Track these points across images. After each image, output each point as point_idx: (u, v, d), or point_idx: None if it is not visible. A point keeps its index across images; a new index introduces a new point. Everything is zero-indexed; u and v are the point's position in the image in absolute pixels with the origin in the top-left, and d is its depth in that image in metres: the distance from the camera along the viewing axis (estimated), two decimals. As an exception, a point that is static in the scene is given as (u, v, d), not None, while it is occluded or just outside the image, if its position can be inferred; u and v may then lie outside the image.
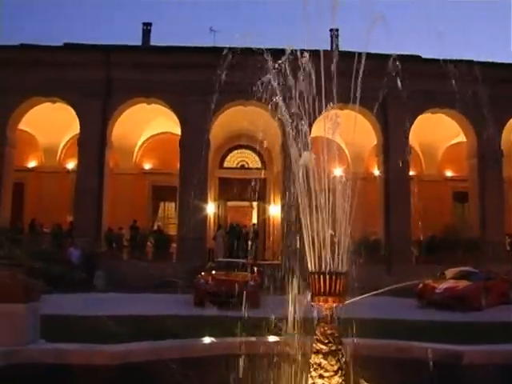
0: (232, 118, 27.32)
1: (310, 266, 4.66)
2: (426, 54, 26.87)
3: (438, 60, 23.75)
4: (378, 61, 6.20)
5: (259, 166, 32.88)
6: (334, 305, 4.65)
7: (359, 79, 5.10)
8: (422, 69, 25.02)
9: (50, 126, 29.71)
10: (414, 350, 6.53)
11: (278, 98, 5.12)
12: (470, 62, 21.51)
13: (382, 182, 27.59)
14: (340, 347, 4.62)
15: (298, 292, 5.16)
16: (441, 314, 16.36)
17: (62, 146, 32.21)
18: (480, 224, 27.37)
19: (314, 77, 5.10)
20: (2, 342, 6.19)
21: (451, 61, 17.43)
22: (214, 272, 19.45)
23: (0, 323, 6.36)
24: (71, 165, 30.47)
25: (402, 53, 6.45)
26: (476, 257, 24.74)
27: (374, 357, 5.88)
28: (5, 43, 27.17)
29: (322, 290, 4.59)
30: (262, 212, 32.45)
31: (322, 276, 4.59)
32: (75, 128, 27.71)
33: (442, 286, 19.00)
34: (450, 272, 20.63)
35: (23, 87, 26.06)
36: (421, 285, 18.86)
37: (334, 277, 4.59)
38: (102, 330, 9.99)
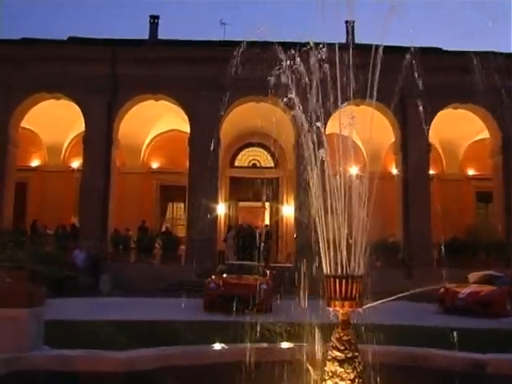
0: (243, 115, 27.36)
1: (325, 269, 4.66)
2: (446, 46, 26.76)
3: (459, 52, 23.68)
4: (395, 54, 6.18)
5: (271, 164, 32.90)
6: (351, 310, 4.64)
7: (376, 73, 5.09)
8: (443, 61, 24.88)
9: (54, 123, 29.89)
10: (435, 357, 6.48)
11: (292, 94, 5.12)
12: (494, 54, 21.34)
13: (400, 181, 27.49)
14: (356, 354, 4.61)
15: (313, 296, 5.16)
16: (464, 320, 16.22)
17: (66, 144, 32.43)
18: (505, 225, 27.15)
19: (328, 71, 5.09)
20: (4, 349, 6.20)
21: (474, 53, 17.31)
22: (224, 275, 19.47)
23: (2, 329, 6.39)
24: (76, 164, 30.69)
25: (421, 45, 6.43)
26: (500, 260, 24.57)
27: (392, 365, 5.85)
28: (5, 37, 27.38)
29: (338, 295, 4.59)
30: (275, 213, 32.46)
31: (337, 279, 4.59)
32: (80, 126, 27.85)
33: (464, 290, 18.84)
34: (473, 276, 20.47)
35: (26, 84, 26.26)
36: (442, 289, 18.73)
37: (350, 280, 4.59)
38: (108, 336, 10.03)
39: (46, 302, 7.14)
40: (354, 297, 4.59)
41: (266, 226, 30.60)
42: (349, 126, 4.93)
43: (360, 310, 4.69)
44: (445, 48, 27.29)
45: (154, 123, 31.55)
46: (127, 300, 19.84)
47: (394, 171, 28.93)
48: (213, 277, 19.19)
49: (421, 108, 22.71)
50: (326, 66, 5.12)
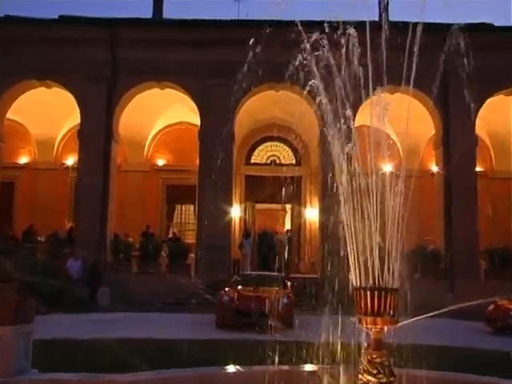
0: (261, 105, 27.38)
1: (355, 281, 4.66)
2: (499, 22, 26.44)
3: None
4: (437, 32, 6.17)
5: (293, 161, 32.89)
6: (384, 327, 4.64)
7: (414, 56, 5.08)
8: (494, 40, 24.57)
9: (45, 115, 30.13)
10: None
11: (316, 81, 5.12)
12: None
13: (441, 179, 27.30)
14: (392, 379, 4.61)
15: (340, 311, 5.16)
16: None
17: (59, 138, 32.71)
18: None
19: (359, 54, 5.10)
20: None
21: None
22: (239, 287, 19.53)
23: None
24: (71, 161, 30.91)
25: (468, 21, 6.38)
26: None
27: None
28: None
29: (370, 310, 4.59)
30: (297, 216, 32.42)
31: (369, 292, 4.59)
32: (75, 117, 28.04)
33: (518, 307, 18.66)
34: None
35: (11, 69, 26.32)
36: (491, 306, 18.56)
37: (383, 294, 4.59)
38: (106, 357, 10.10)
39: (35, 318, 7.13)
40: (388, 312, 4.60)
41: (287, 231, 30.58)
42: (382, 116, 4.93)
43: (395, 327, 4.69)
44: (497, 24, 26.96)
45: (160, 115, 31.68)
46: (129, 315, 19.96)
47: (435, 168, 28.76)
48: (226, 289, 19.24)
49: (467, 95, 22.52)
50: (356, 47, 5.12)
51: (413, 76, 5.06)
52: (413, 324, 4.81)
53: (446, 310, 5.14)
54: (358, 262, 4.62)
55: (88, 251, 24.67)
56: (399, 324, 4.69)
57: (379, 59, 5.11)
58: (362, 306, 4.61)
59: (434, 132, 28.25)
